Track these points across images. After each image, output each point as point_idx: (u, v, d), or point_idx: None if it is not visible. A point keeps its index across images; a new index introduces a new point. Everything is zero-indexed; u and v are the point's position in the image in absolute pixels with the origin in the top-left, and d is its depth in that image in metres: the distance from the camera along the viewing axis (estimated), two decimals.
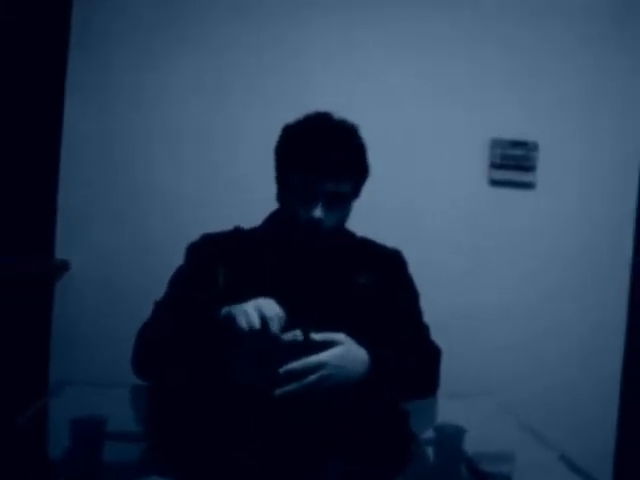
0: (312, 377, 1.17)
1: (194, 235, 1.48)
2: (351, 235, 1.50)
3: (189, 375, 1.25)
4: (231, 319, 1.16)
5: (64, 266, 2.16)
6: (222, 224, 1.51)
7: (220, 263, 1.38)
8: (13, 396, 1.77)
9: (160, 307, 1.38)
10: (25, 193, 2.14)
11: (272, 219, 1.49)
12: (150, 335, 1.33)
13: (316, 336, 1.20)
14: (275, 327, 1.15)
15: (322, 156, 1.30)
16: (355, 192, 1.40)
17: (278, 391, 1.16)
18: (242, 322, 1.14)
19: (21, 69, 2.09)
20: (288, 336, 1.17)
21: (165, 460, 1.13)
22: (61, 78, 2.17)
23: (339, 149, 1.33)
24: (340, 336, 1.22)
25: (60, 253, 2.18)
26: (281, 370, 1.16)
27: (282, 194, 1.40)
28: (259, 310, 1.16)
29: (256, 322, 1.14)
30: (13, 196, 2.11)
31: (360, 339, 1.26)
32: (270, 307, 1.17)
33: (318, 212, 1.31)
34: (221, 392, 1.21)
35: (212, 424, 1.17)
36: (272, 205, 1.48)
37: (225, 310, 1.20)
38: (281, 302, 1.20)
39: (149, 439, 1.21)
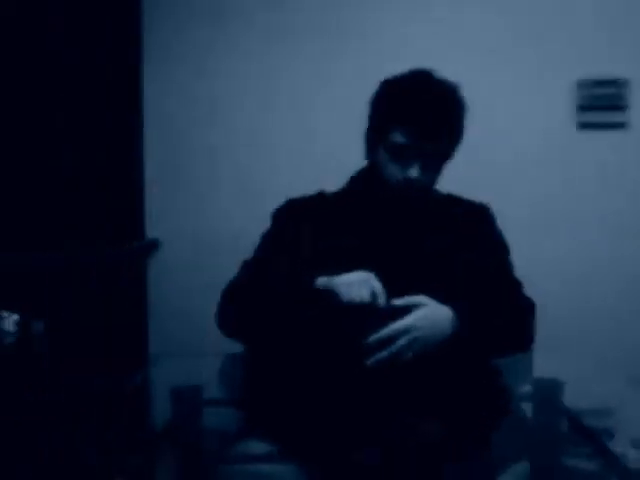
0: (400, 342, 1.16)
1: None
2: (437, 192, 1.46)
3: (278, 337, 1.27)
4: (336, 291, 1.18)
5: (155, 244, 2.25)
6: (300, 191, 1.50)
7: (307, 227, 1.38)
8: (117, 368, 1.87)
9: (250, 268, 1.39)
10: (115, 174, 2.22)
11: (360, 179, 1.46)
12: (241, 294, 1.34)
13: (397, 301, 1.19)
14: (382, 300, 1.17)
15: (427, 116, 1.26)
16: (452, 153, 1.36)
17: (370, 360, 1.16)
18: (351, 294, 1.17)
19: (100, 51, 2.15)
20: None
21: (262, 425, 1.15)
22: (138, 59, 2.23)
23: (444, 110, 1.29)
24: (421, 298, 1.21)
25: (151, 232, 2.26)
26: (370, 339, 1.16)
27: (375, 151, 1.35)
28: (365, 283, 1.18)
29: (366, 295, 1.16)
30: (105, 179, 2.20)
31: (448, 297, 1.24)
32: (373, 282, 1.19)
33: (415, 172, 1.29)
34: (314, 359, 1.23)
35: (306, 390, 1.19)
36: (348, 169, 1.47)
37: (324, 281, 1.22)
38: (370, 263, 1.21)
39: (246, 405, 1.24)
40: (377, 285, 1.19)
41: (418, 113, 1.27)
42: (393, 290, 1.22)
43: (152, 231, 2.26)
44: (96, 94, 2.15)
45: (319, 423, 1.14)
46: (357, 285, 1.18)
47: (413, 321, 1.18)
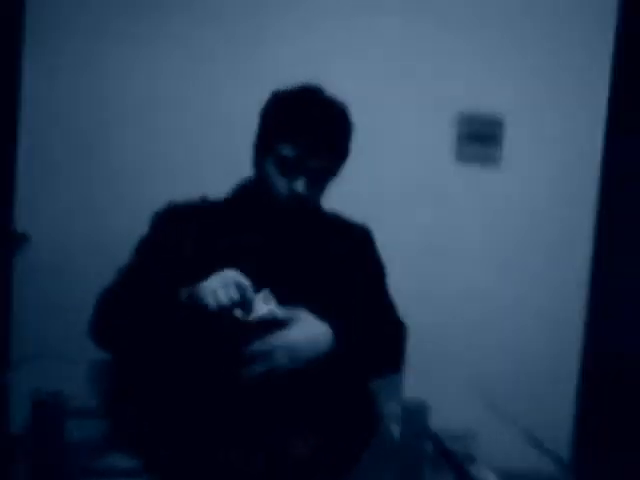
0: (277, 357, 1.17)
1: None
2: (320, 210, 1.49)
3: (149, 349, 1.23)
4: (197, 298, 1.15)
5: (24, 238, 2.11)
6: (190, 193, 1.47)
7: (190, 231, 1.36)
8: None
9: (124, 276, 1.35)
10: None
11: (246, 188, 1.45)
12: (114, 304, 1.30)
13: (278, 312, 1.20)
14: (250, 294, 1.16)
15: (315, 132, 1.30)
16: (337, 171, 1.40)
17: (245, 372, 1.16)
18: (210, 300, 1.13)
19: None
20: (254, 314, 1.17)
21: (130, 438, 1.12)
22: (17, 42, 2.09)
23: (332, 127, 1.33)
24: (301, 313, 1.23)
25: (20, 226, 2.12)
26: (246, 351, 1.16)
27: (263, 163, 1.36)
28: (229, 284, 1.15)
29: (234, 296, 1.14)
30: None
31: (325, 314, 1.26)
32: (238, 279, 1.16)
33: (300, 187, 1.30)
34: (185, 370, 1.20)
35: (177, 402, 1.16)
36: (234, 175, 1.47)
37: (189, 289, 1.19)
38: (250, 275, 1.20)
39: (111, 416, 1.19)
40: (242, 280, 1.17)
41: (306, 128, 1.29)
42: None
43: (23, 224, 2.12)
44: None
45: (192, 431, 1.12)
46: (222, 288, 1.16)
47: (291, 336, 1.19)
